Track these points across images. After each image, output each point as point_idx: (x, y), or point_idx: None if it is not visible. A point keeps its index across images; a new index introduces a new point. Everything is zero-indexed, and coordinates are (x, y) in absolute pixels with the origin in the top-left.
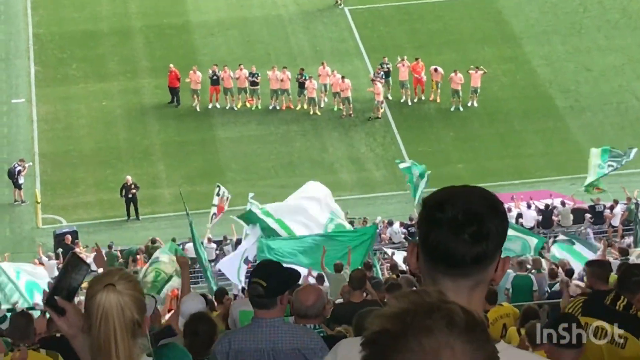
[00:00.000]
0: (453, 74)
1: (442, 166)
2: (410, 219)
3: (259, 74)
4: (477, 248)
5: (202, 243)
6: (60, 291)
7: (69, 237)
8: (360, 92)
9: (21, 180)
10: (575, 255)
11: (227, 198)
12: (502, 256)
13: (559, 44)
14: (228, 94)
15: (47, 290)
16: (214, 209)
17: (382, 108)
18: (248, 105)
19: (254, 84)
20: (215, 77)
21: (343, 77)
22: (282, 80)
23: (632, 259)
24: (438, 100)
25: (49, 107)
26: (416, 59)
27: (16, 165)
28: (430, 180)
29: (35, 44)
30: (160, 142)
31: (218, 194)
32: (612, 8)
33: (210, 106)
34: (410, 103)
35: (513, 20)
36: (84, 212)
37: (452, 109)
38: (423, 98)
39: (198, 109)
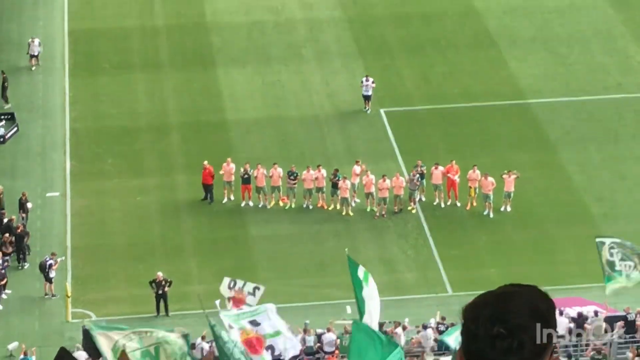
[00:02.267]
0: (483, 178)
1: (474, 270)
2: (442, 318)
3: (298, 174)
4: (512, 358)
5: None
6: None
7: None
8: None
9: (52, 274)
10: None
11: (250, 291)
12: None
13: (594, 151)
14: (261, 193)
15: None
16: (229, 303)
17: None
18: (281, 204)
19: (292, 182)
20: (246, 176)
21: (384, 176)
22: (316, 179)
23: None
24: (474, 204)
25: (83, 201)
26: (450, 162)
27: (48, 258)
28: (463, 284)
29: (72, 139)
30: (192, 238)
31: (230, 287)
32: None
33: (243, 204)
34: (443, 205)
35: (549, 126)
36: (114, 306)
37: (484, 213)
38: (458, 204)
39: (230, 201)
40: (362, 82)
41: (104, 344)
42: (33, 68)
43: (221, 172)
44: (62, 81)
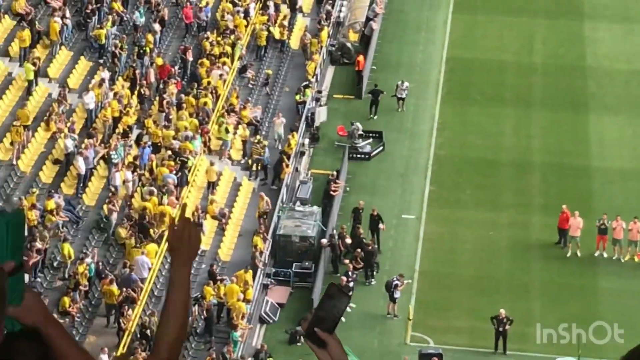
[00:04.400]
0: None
1: None
2: None
3: None
4: None
5: None
6: (319, 322)
7: (435, 359)
8: None
9: (397, 295)
10: None
11: None
12: None
13: None
14: (617, 245)
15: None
16: None
17: None
18: (637, 259)
19: None
20: (603, 227)
21: None
22: None
23: None
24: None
25: (437, 227)
26: None
27: (395, 278)
28: None
29: (435, 164)
30: (540, 280)
31: None
32: None
33: (596, 254)
34: None
35: None
36: (452, 336)
37: None
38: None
39: (579, 254)
40: None
41: None
42: (399, 110)
43: (569, 223)
44: (433, 107)
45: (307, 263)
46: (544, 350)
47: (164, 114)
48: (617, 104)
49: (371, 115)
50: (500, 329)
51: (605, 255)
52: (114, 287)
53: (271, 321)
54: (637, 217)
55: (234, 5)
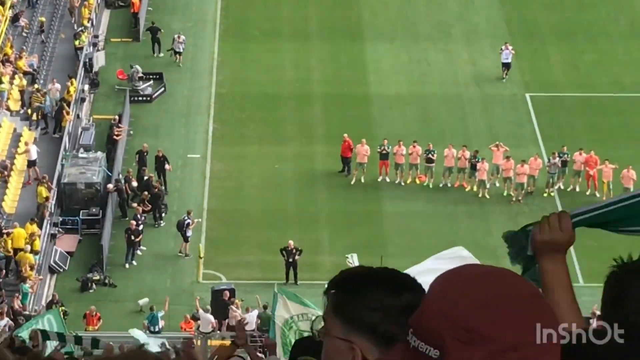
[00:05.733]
0: (625, 171)
1: (609, 262)
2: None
3: (435, 151)
4: None
5: None
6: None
7: (227, 293)
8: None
9: (189, 233)
10: None
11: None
12: None
13: None
14: (399, 169)
15: None
16: None
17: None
18: (418, 182)
19: (429, 161)
20: (385, 152)
21: (523, 161)
22: (459, 159)
23: None
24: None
25: (222, 165)
26: (590, 152)
27: (186, 217)
28: (595, 276)
29: (217, 102)
30: (327, 209)
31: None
32: None
33: (379, 179)
34: (578, 191)
35: None
36: (244, 271)
37: None
38: (597, 195)
39: (363, 181)
40: (501, 49)
41: (281, 311)
42: (176, 62)
43: (355, 151)
44: (212, 45)
45: (94, 209)
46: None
47: None
48: (391, 30)
49: (156, 54)
50: (290, 260)
51: (388, 180)
52: None
53: (61, 270)
54: (416, 141)
55: None
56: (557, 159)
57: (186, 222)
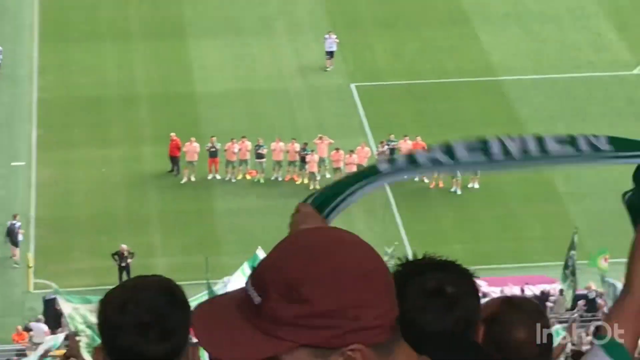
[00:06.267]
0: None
1: (440, 246)
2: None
3: (265, 146)
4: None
5: None
6: None
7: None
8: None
9: (20, 238)
10: None
11: None
12: None
13: (563, 129)
14: (229, 166)
15: None
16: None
17: None
18: (249, 177)
19: (259, 156)
20: (213, 150)
21: (351, 152)
22: (287, 152)
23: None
24: (441, 185)
25: (49, 171)
26: (416, 137)
27: (15, 223)
28: None
29: (40, 108)
30: (158, 210)
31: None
32: (617, 97)
33: (210, 177)
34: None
35: (519, 103)
36: (76, 278)
37: (451, 190)
38: (426, 180)
39: (193, 179)
40: (325, 38)
41: (65, 308)
42: None
43: (184, 149)
44: (31, 50)
45: None
46: (172, 277)
47: None
48: (214, 27)
49: None
50: (123, 264)
51: (218, 177)
52: None
53: None
54: (245, 136)
55: None
56: (386, 147)
57: (17, 226)
